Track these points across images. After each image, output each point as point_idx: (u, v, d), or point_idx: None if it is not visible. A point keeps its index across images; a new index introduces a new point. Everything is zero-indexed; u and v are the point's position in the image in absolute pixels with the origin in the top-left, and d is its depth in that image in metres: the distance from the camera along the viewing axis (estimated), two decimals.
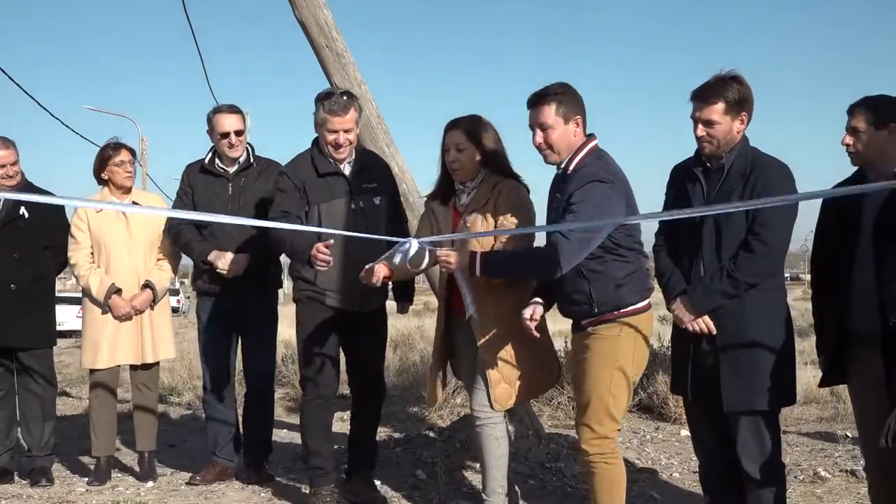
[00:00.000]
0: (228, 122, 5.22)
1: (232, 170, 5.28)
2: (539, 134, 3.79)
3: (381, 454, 5.29)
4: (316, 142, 4.69)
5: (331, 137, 4.55)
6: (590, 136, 3.85)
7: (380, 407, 5.07)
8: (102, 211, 5.30)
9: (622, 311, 3.78)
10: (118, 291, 5.24)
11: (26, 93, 13.52)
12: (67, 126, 21.83)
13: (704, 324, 3.61)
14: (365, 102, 5.43)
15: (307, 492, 4.86)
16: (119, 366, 5.40)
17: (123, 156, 5.38)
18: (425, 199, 4.50)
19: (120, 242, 5.29)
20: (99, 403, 5.39)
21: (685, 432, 6.71)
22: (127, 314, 5.26)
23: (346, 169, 4.67)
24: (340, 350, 4.83)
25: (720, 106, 3.56)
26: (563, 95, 3.75)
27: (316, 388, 4.72)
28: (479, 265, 3.78)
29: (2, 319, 5.17)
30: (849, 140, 3.55)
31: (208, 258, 5.12)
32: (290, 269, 4.80)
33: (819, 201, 3.76)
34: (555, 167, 3.92)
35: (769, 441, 3.61)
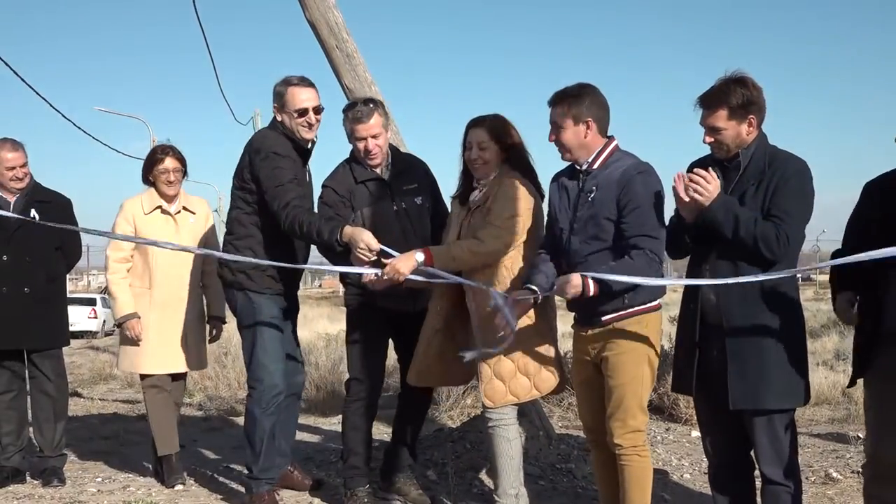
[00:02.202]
0: (306, 97, 4.63)
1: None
2: (552, 132, 3.88)
3: None
4: (352, 153, 4.70)
5: (360, 145, 4.57)
6: (610, 138, 3.91)
7: (428, 407, 5.06)
8: (152, 213, 5.30)
9: (647, 305, 3.85)
10: (137, 318, 5.26)
11: (38, 94, 13.54)
12: (79, 127, 21.94)
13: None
14: None
15: (343, 492, 4.83)
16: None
17: (168, 164, 5.33)
18: (451, 198, 4.55)
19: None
20: (157, 404, 5.36)
21: (696, 433, 6.69)
22: (135, 338, 5.27)
23: (385, 174, 4.67)
24: (387, 352, 4.84)
25: (723, 112, 3.56)
26: (575, 97, 3.82)
27: (362, 389, 4.71)
28: (594, 287, 3.68)
29: (16, 322, 5.19)
30: None
31: (344, 237, 4.18)
32: (341, 276, 4.79)
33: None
34: (569, 165, 3.98)
35: (785, 443, 3.57)
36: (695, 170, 3.60)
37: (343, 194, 4.56)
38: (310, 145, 4.78)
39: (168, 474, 5.34)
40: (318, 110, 4.66)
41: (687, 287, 3.76)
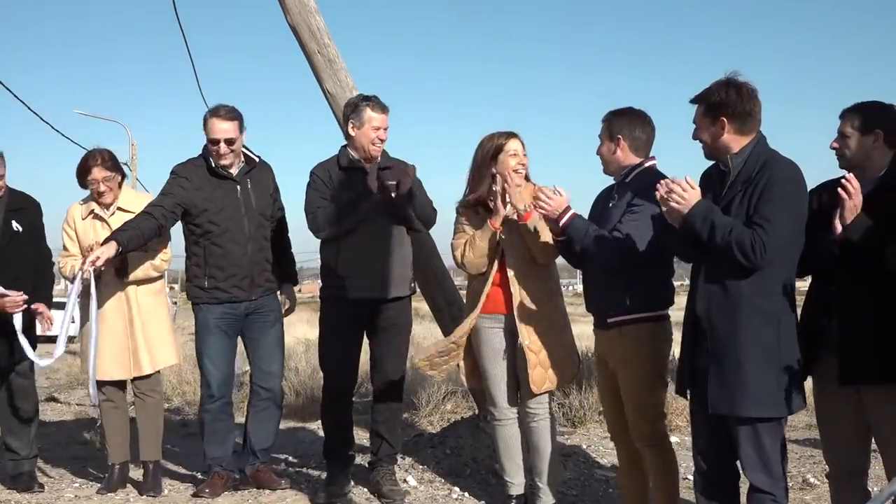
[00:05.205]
0: (220, 129, 4.96)
1: (235, 171, 5.08)
2: (599, 146, 4.22)
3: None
4: (344, 147, 4.94)
5: (374, 135, 4.80)
6: (649, 158, 4.15)
7: (401, 399, 5.19)
8: (87, 218, 5.16)
9: (652, 313, 4.03)
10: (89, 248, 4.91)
11: (16, 96, 13.45)
12: (58, 131, 21.68)
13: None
14: None
15: (321, 484, 5.04)
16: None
17: (96, 174, 5.11)
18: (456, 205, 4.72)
19: None
20: (109, 410, 5.27)
21: (675, 438, 6.71)
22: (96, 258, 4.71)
23: (368, 167, 4.84)
24: (361, 346, 5.00)
25: (698, 110, 3.62)
26: (616, 115, 4.15)
27: (334, 383, 4.95)
28: (567, 219, 4.03)
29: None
30: (836, 144, 3.57)
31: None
32: (321, 269, 4.94)
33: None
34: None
35: (771, 452, 3.55)
36: (672, 178, 3.61)
37: (325, 179, 4.84)
38: (234, 169, 5.04)
39: (107, 483, 5.27)
40: (229, 142, 4.98)
41: (690, 294, 3.73)
